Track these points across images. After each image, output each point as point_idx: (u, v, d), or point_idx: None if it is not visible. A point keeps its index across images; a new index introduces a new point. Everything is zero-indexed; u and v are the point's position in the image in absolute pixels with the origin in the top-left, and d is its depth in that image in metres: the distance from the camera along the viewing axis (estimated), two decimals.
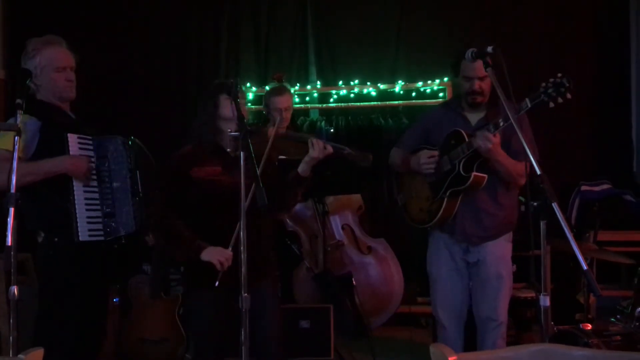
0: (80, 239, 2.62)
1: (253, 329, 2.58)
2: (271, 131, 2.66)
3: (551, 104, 2.55)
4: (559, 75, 2.55)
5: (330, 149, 2.59)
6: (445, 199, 2.95)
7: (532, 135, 2.94)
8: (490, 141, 2.72)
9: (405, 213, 3.22)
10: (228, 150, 2.67)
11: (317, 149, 2.57)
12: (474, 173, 2.87)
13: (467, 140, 2.87)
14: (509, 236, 3.08)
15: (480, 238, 3.01)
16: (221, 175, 2.60)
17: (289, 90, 4.06)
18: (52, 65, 2.73)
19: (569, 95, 2.53)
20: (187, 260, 2.71)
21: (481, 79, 2.92)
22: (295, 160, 2.72)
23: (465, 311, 3.08)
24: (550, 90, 2.55)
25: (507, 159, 2.84)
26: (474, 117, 3.03)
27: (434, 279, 3.13)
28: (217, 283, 2.47)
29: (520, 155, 2.81)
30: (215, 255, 2.49)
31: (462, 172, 2.88)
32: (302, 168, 2.63)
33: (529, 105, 2.64)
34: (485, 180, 2.90)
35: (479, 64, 2.84)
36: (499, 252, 3.02)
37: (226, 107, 2.61)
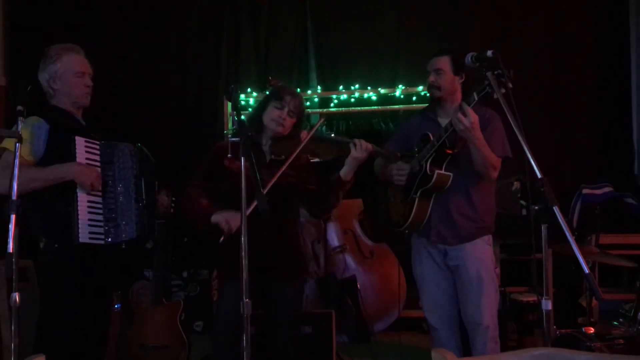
0: (80, 240, 2.61)
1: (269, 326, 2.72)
2: (304, 134, 2.68)
3: (495, 95, 2.55)
4: (501, 66, 2.59)
5: (370, 148, 2.65)
6: (416, 200, 2.97)
7: (504, 134, 2.97)
8: (461, 121, 2.72)
9: (387, 219, 3.23)
10: (264, 150, 2.75)
11: (360, 149, 2.63)
12: (437, 171, 2.90)
13: (431, 140, 2.93)
14: (487, 239, 3.07)
15: (456, 239, 3.01)
16: (250, 172, 2.61)
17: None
18: (72, 70, 2.77)
19: (510, 85, 2.54)
20: (219, 256, 2.79)
21: (436, 71, 3.00)
22: (327, 162, 2.76)
23: (456, 313, 3.08)
24: (493, 82, 2.58)
25: (484, 144, 2.84)
26: (445, 121, 3.04)
27: (420, 283, 3.14)
28: (221, 239, 2.53)
29: (493, 151, 2.89)
30: (223, 216, 2.56)
31: (427, 171, 2.92)
32: (344, 171, 2.67)
33: (476, 98, 2.71)
34: (450, 178, 2.93)
35: (440, 59, 2.98)
36: (478, 254, 3.01)
37: (272, 112, 2.74)
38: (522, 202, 4.46)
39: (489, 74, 2.50)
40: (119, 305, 3.80)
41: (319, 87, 5.34)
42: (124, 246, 2.77)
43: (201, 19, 5.51)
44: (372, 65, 5.33)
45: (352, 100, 5.27)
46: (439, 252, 3.06)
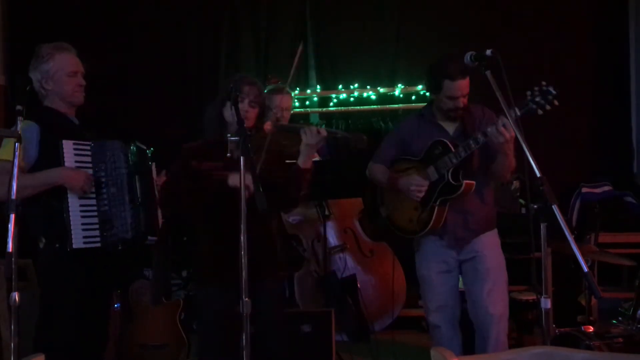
0: (74, 246, 2.60)
1: (256, 327, 2.59)
2: (267, 125, 2.63)
3: (539, 112, 2.57)
4: (543, 83, 2.62)
5: (323, 133, 2.53)
6: (436, 208, 2.99)
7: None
8: (503, 134, 2.72)
9: (390, 224, 3.22)
10: (230, 149, 2.59)
11: (310, 135, 2.52)
12: (466, 181, 2.94)
13: (453, 150, 2.92)
14: (495, 231, 3.14)
15: (469, 237, 3.06)
16: (222, 172, 2.55)
17: (290, 92, 4.04)
18: (65, 70, 2.74)
19: (556, 102, 2.59)
20: (195, 258, 2.70)
21: (465, 96, 2.98)
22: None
23: (458, 312, 3.11)
24: (537, 99, 2.61)
25: (512, 152, 2.87)
26: (449, 126, 3.07)
27: (424, 280, 3.15)
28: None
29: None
30: (238, 177, 2.31)
31: (451, 181, 2.93)
32: (300, 159, 2.59)
33: (519, 114, 2.65)
34: (474, 185, 2.97)
35: (464, 82, 2.92)
36: (491, 244, 3.08)
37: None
38: (522, 201, 4.46)
39: (535, 90, 2.55)
40: (118, 304, 3.80)
41: (318, 87, 5.34)
42: (120, 247, 2.77)
43: (201, 18, 5.50)
44: (371, 65, 5.32)
45: (352, 99, 5.27)
46: (452, 250, 3.08)
